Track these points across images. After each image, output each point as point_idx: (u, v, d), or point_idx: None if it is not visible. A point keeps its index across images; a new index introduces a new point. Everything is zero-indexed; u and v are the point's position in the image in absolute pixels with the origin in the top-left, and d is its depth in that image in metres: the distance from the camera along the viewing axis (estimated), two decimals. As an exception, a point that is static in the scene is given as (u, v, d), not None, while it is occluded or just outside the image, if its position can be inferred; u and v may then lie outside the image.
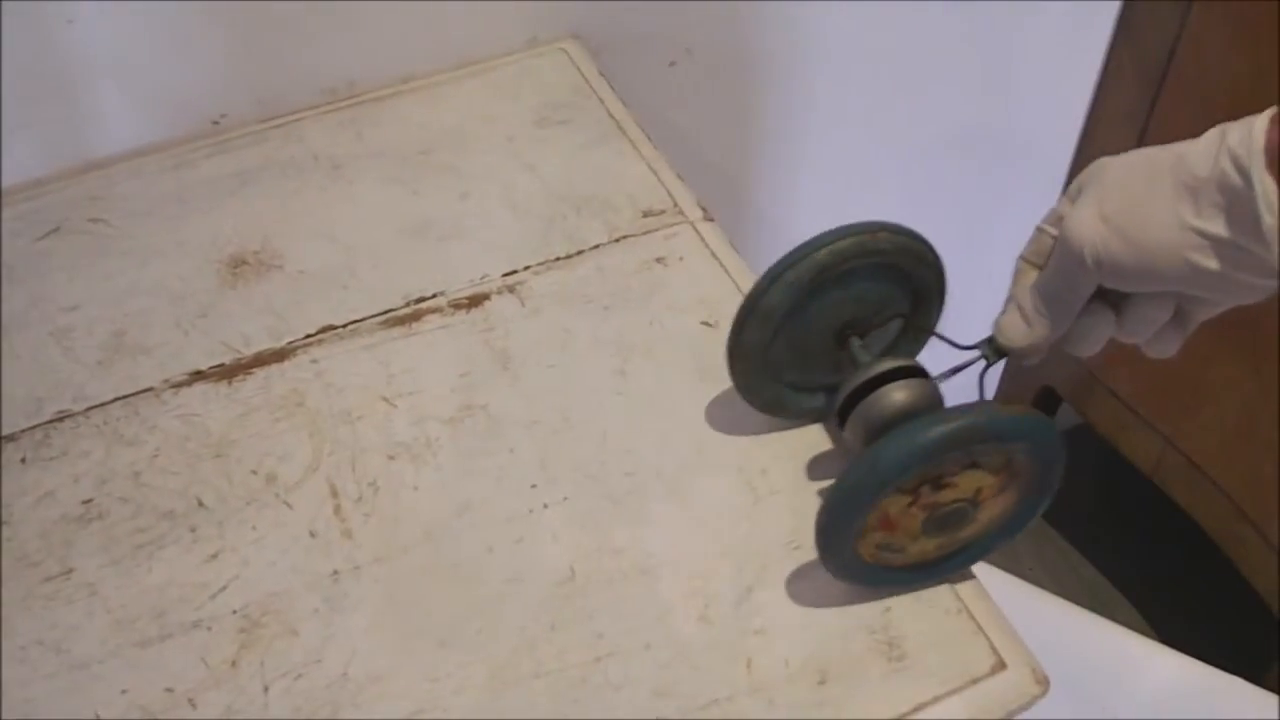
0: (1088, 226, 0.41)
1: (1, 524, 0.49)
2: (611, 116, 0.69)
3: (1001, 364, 0.47)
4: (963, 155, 1.05)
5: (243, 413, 0.53)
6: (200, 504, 0.50)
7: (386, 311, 0.58)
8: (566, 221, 0.62)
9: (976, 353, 0.46)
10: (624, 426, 0.52)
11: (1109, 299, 0.44)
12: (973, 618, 0.45)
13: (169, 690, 0.44)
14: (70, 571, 0.48)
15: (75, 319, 0.59)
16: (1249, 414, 1.03)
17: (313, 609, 0.46)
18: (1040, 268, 0.44)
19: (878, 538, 0.42)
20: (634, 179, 0.65)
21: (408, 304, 0.58)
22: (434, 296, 0.59)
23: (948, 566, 0.45)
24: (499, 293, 0.59)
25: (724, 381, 0.53)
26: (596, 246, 0.61)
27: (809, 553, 0.47)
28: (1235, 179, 0.37)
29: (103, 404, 0.54)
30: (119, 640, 0.45)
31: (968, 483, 0.41)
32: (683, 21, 0.80)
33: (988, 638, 0.44)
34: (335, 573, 0.47)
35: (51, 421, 0.54)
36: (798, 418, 0.51)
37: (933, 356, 0.47)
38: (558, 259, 0.60)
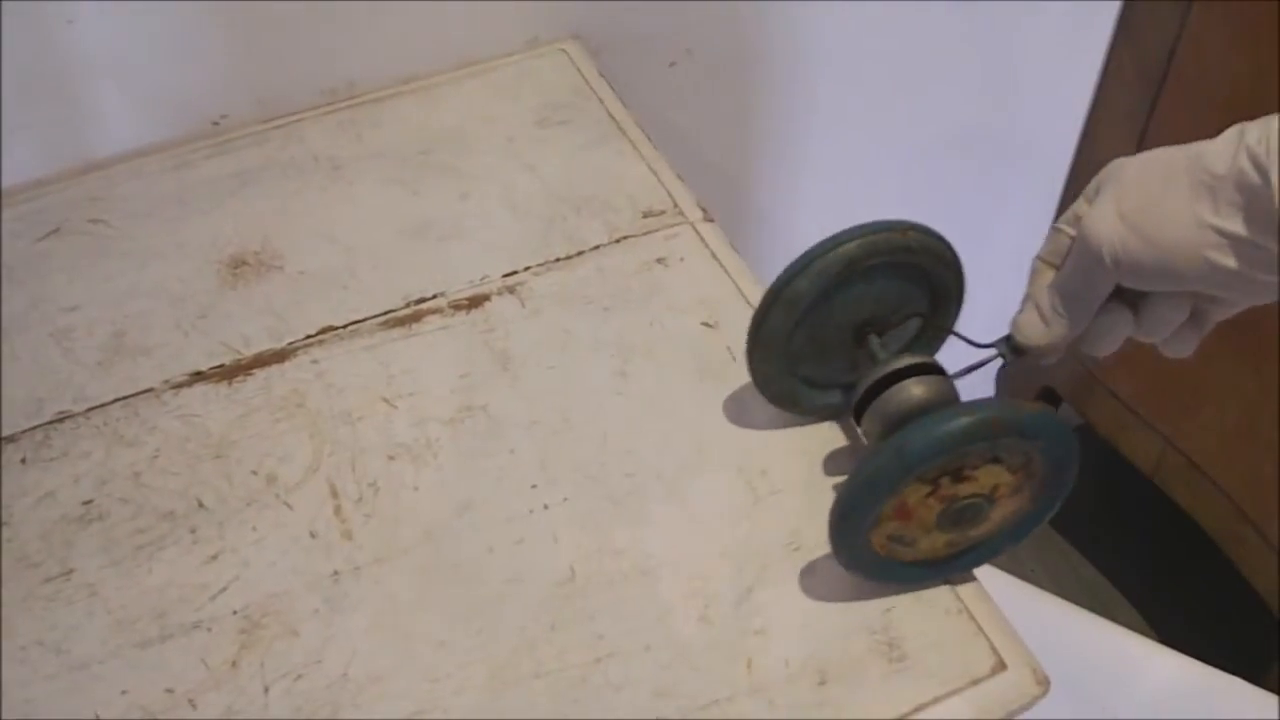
0: (1106, 225, 0.41)
1: (2, 525, 0.49)
2: (612, 117, 0.69)
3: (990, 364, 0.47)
4: (963, 155, 1.05)
5: (243, 413, 0.53)
6: (200, 505, 0.50)
7: (387, 312, 0.58)
8: (566, 222, 0.62)
9: (993, 351, 0.46)
10: (624, 427, 0.52)
11: (1127, 298, 0.44)
12: (973, 618, 0.45)
13: (169, 691, 0.44)
14: (70, 572, 0.48)
15: (75, 320, 0.59)
16: (1249, 414, 1.03)
17: (313, 609, 0.46)
18: (1057, 267, 0.45)
19: (892, 527, 0.43)
20: (634, 179, 0.65)
21: (408, 305, 0.58)
22: (434, 297, 0.59)
23: (954, 566, 0.45)
24: (499, 293, 0.59)
25: (724, 382, 0.53)
26: (597, 247, 0.61)
27: (809, 553, 0.47)
28: (1253, 177, 0.37)
29: (103, 405, 0.54)
30: (119, 641, 0.45)
31: (987, 478, 0.41)
32: (683, 22, 0.80)
33: (988, 638, 0.44)
34: (335, 573, 0.47)
35: (52, 422, 0.54)
36: (807, 414, 0.51)
37: (947, 356, 0.48)
38: (558, 260, 0.60)
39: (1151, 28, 0.98)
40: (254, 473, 0.51)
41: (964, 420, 0.39)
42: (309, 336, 0.57)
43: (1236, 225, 0.38)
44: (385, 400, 0.54)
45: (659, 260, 0.60)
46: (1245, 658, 0.98)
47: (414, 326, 0.57)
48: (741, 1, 0.81)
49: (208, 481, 0.51)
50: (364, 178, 0.66)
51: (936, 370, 0.45)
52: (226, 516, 0.49)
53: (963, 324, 0.50)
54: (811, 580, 0.46)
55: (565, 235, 0.61)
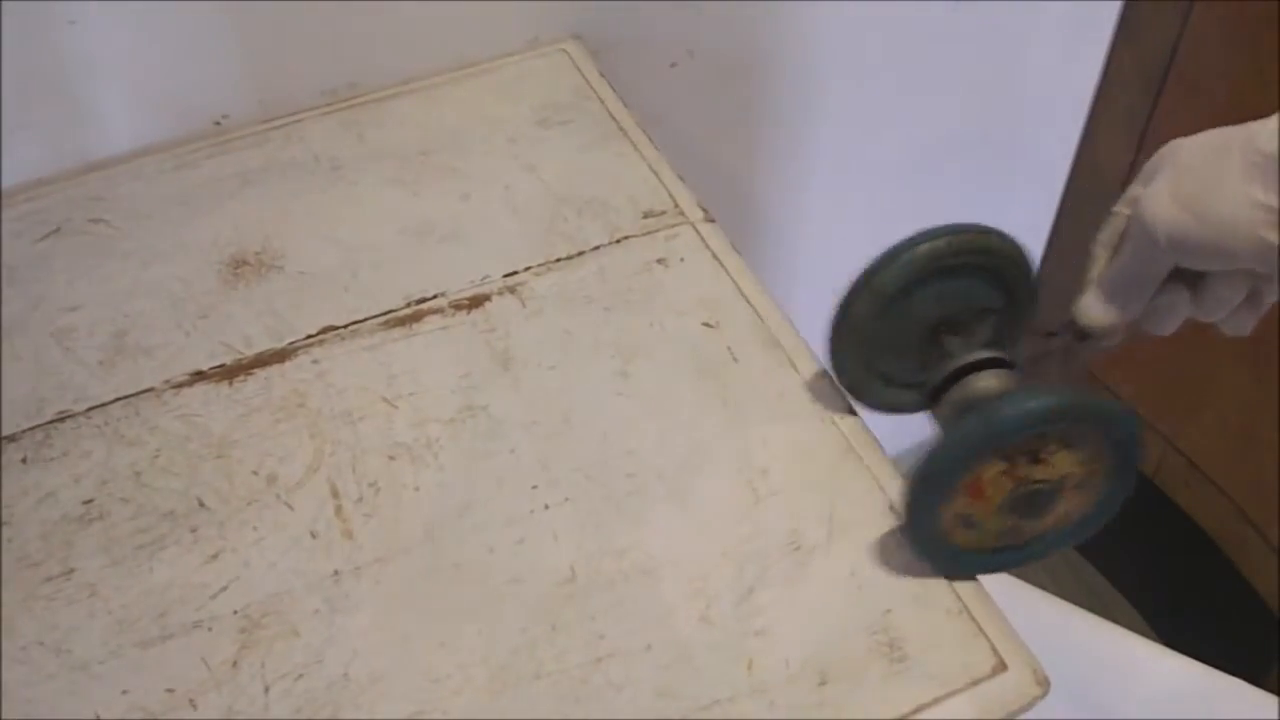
0: (1161, 207, 0.42)
1: (2, 524, 0.49)
2: (613, 117, 0.69)
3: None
4: (962, 155, 1.05)
5: (244, 413, 0.53)
6: (201, 504, 0.50)
7: (387, 312, 0.58)
8: (567, 223, 0.62)
9: (1058, 339, 0.48)
10: (625, 427, 0.52)
11: (1185, 279, 0.45)
12: (973, 619, 0.45)
13: (170, 691, 0.44)
14: (71, 572, 0.48)
15: (76, 319, 0.59)
16: (1250, 415, 1.03)
17: (313, 609, 0.46)
18: (1116, 250, 0.45)
19: (962, 504, 0.43)
20: (635, 180, 0.65)
21: (408, 305, 0.58)
22: (435, 297, 0.59)
23: (1006, 560, 0.46)
24: (500, 294, 0.59)
25: (725, 382, 0.53)
26: (597, 248, 0.61)
27: (809, 553, 0.47)
28: None
29: (104, 404, 0.54)
30: (120, 641, 0.45)
31: (1060, 464, 0.42)
32: (684, 22, 0.80)
33: (988, 639, 0.44)
34: (336, 573, 0.47)
35: (52, 422, 0.54)
36: (875, 408, 0.52)
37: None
38: (558, 260, 0.60)
39: (1152, 28, 0.98)
40: (255, 472, 0.51)
41: (1051, 398, 0.40)
42: (310, 336, 0.57)
43: None
44: (386, 400, 0.54)
45: (660, 261, 0.60)
46: (1245, 659, 0.98)
47: (415, 326, 0.57)
48: (743, 2, 0.81)
49: (208, 481, 0.51)
50: (365, 178, 0.66)
51: (1011, 366, 0.47)
52: (227, 516, 0.49)
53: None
54: (812, 580, 0.46)
55: (566, 235, 0.62)
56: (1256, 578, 1.08)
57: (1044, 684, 0.43)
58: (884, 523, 0.48)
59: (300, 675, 0.44)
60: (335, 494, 0.50)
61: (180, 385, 0.55)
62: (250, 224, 0.63)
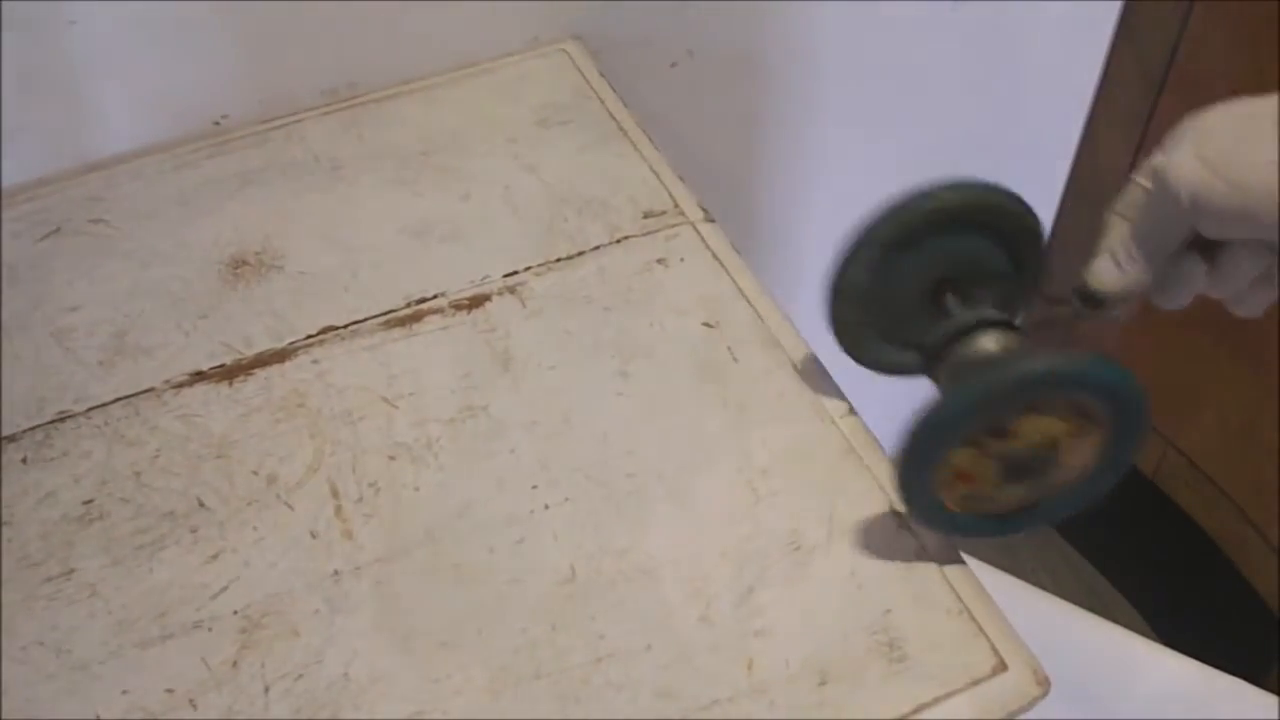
0: (1186, 168, 0.42)
1: (2, 524, 0.49)
2: (613, 118, 0.69)
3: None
4: (963, 156, 1.05)
5: (244, 413, 0.53)
6: (201, 504, 0.50)
7: (387, 312, 0.58)
8: (567, 223, 0.62)
9: (1065, 308, 0.47)
10: (625, 428, 0.52)
11: (1201, 250, 0.45)
12: (973, 618, 0.45)
13: (170, 691, 0.44)
14: (71, 572, 0.48)
15: (76, 319, 0.59)
16: (1250, 416, 1.03)
17: (313, 610, 0.46)
18: (1132, 220, 0.45)
19: (961, 489, 0.43)
20: (635, 180, 0.65)
21: (409, 305, 0.58)
22: (435, 297, 0.59)
23: (1045, 514, 0.46)
24: (500, 294, 0.59)
25: (725, 382, 0.53)
26: (597, 248, 0.61)
27: (809, 553, 0.47)
28: None
29: (104, 404, 0.54)
30: (120, 641, 0.45)
31: (1031, 428, 0.42)
32: (684, 23, 0.80)
33: (988, 638, 0.44)
34: (336, 573, 0.47)
35: (53, 422, 0.54)
36: (878, 369, 0.51)
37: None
38: (559, 260, 0.60)
39: (1152, 28, 0.99)
40: (255, 473, 0.51)
41: (965, 396, 0.40)
42: (310, 336, 0.57)
43: None
44: (386, 400, 0.54)
45: (660, 260, 0.60)
46: (1245, 659, 0.98)
47: (415, 326, 0.57)
48: (743, 2, 0.81)
49: (208, 481, 0.51)
50: (365, 178, 0.66)
51: (1013, 328, 0.46)
52: (227, 516, 0.49)
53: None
54: (812, 580, 0.46)
55: (566, 235, 0.62)
56: (1256, 578, 1.08)
57: (1044, 684, 0.43)
58: (884, 523, 0.48)
59: (300, 675, 0.44)
60: (335, 494, 0.50)
61: (180, 385, 0.55)
62: (250, 224, 0.63)
